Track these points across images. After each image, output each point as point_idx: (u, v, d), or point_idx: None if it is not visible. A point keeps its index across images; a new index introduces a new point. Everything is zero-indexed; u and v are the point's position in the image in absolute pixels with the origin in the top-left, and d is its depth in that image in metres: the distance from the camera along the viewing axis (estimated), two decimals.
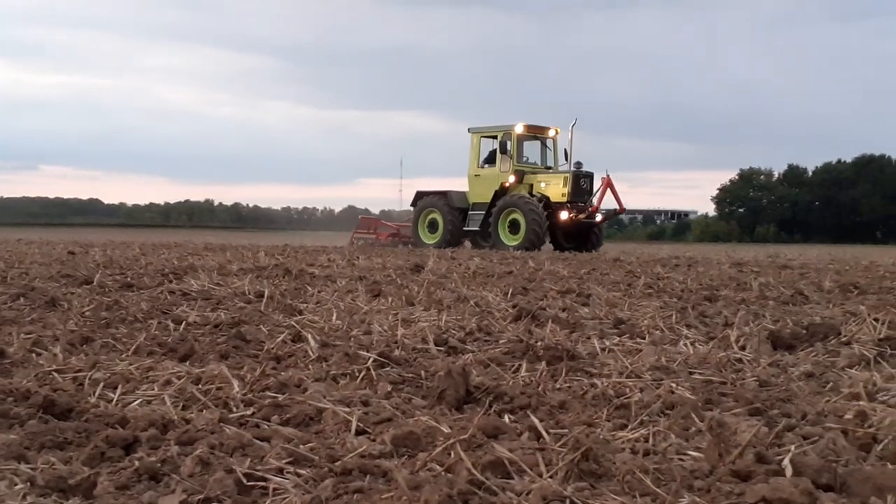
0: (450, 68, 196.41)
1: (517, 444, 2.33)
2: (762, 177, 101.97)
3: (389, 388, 3.12)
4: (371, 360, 3.50)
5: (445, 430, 2.47)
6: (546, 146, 26.06)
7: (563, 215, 23.66)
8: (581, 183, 24.27)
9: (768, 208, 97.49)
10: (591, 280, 8.94)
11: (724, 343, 4.23)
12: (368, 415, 2.67)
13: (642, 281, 8.65)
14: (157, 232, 47.86)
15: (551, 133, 25.83)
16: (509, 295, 6.76)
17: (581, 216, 23.99)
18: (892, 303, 6.57)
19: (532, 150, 25.77)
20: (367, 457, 2.24)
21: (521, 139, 25.17)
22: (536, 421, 2.51)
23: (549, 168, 25.71)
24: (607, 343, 4.27)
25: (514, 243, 23.36)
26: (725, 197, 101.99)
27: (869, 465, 2.15)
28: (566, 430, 2.48)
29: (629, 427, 2.58)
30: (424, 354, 3.91)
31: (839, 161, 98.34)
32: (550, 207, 23.63)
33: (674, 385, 3.17)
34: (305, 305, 5.76)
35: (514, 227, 23.85)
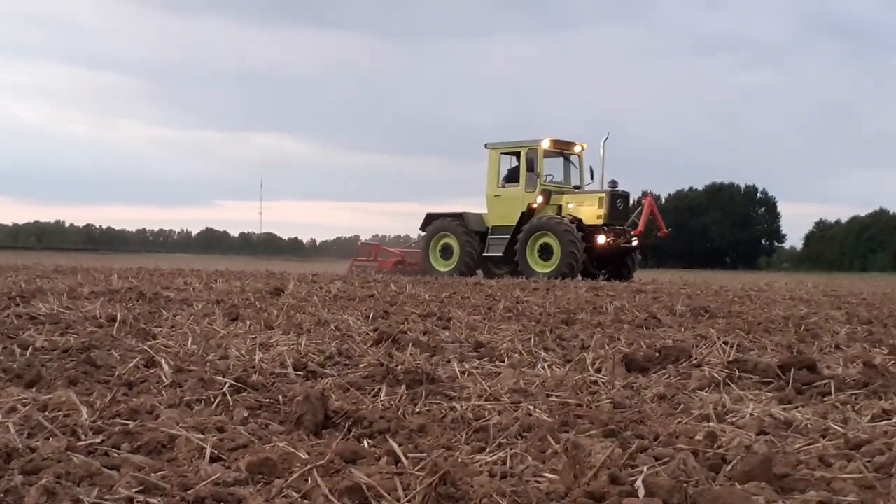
0: (310, 91, 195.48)
1: (375, 468, 2.31)
2: (619, 202, 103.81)
3: (246, 414, 3.06)
4: (227, 385, 3.43)
5: (303, 455, 2.44)
6: (571, 163, 23.80)
7: (601, 239, 21.48)
8: (617, 203, 22.20)
9: None
10: (451, 304, 8.99)
11: (581, 366, 4.30)
12: (223, 441, 2.61)
13: (502, 305, 8.75)
14: (4, 254, 46.03)
15: (577, 149, 23.53)
16: (370, 318, 6.74)
17: (621, 240, 21.89)
18: (740, 326, 6.81)
19: (554, 167, 23.49)
20: (221, 484, 2.19)
21: (546, 156, 22.75)
22: (395, 445, 2.49)
23: (578, 187, 23.43)
24: (467, 366, 4.29)
25: (547, 270, 21.14)
26: None
27: (718, 486, 2.21)
28: (425, 454, 2.48)
29: (487, 450, 2.59)
30: (283, 379, 3.86)
31: (691, 189, 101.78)
32: (583, 230, 21.43)
33: (531, 407, 3.20)
34: (160, 330, 5.61)
35: (545, 252, 21.62)
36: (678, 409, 3.33)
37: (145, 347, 4.53)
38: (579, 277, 21.21)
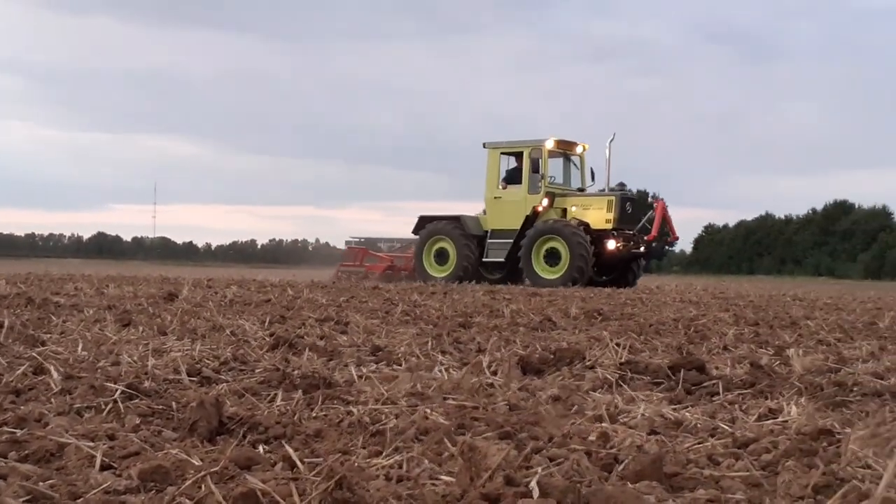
0: (205, 93, 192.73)
1: (271, 474, 2.29)
2: None
3: (138, 421, 3.00)
4: (118, 392, 3.36)
5: (196, 462, 2.40)
6: (573, 164, 22.80)
7: (611, 245, 20.48)
8: (627, 207, 21.12)
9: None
10: (349, 308, 8.96)
11: (477, 368, 4.32)
12: (114, 449, 2.56)
13: (400, 308, 8.75)
14: None
15: (579, 150, 22.48)
16: (267, 323, 6.68)
17: (635, 247, 20.82)
18: (632, 328, 6.94)
19: (554, 168, 22.31)
20: (112, 493, 2.15)
21: (549, 156, 21.64)
22: (291, 450, 2.48)
23: (582, 189, 22.36)
24: (364, 370, 4.28)
25: (554, 277, 20.20)
26: None
27: (610, 485, 2.25)
28: (321, 459, 2.47)
29: (384, 454, 2.59)
30: (176, 385, 3.80)
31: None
32: (591, 235, 20.40)
33: (428, 411, 3.21)
34: (49, 336, 5.47)
35: (552, 257, 20.58)
36: (572, 411, 3.37)
37: (34, 354, 4.41)
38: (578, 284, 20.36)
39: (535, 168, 21.35)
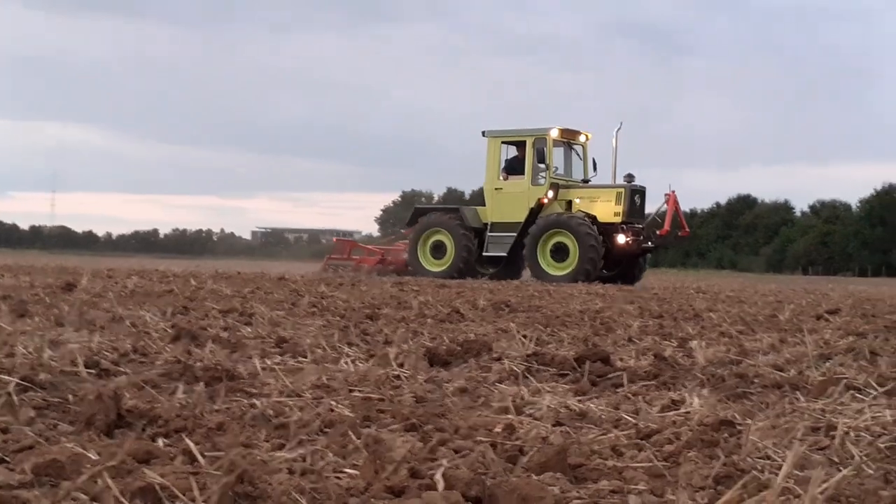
0: (108, 80, 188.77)
1: (170, 468, 2.23)
2: (423, 199, 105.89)
3: (33, 414, 2.90)
4: (13, 384, 3.25)
5: (93, 456, 2.33)
6: (576, 154, 21.81)
7: (621, 239, 19.59)
8: (635, 200, 20.33)
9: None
10: (254, 299, 8.85)
11: (384, 360, 4.30)
12: (7, 443, 2.47)
13: (306, 300, 8.68)
14: None
15: (581, 139, 21.60)
16: (168, 314, 6.55)
17: (647, 241, 20.03)
18: (539, 320, 6.98)
19: (556, 158, 21.18)
20: (5, 487, 2.07)
21: (553, 146, 20.64)
22: (191, 444, 2.42)
23: (587, 181, 21.48)
24: (269, 362, 4.22)
25: (562, 273, 19.31)
26: (388, 218, 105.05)
27: (515, 477, 2.24)
28: (223, 453, 2.41)
29: (287, 447, 2.55)
30: (73, 378, 3.69)
31: None
32: (599, 229, 19.50)
33: (333, 403, 3.17)
34: None
35: (559, 252, 19.69)
36: (478, 402, 3.37)
37: None
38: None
39: (540, 158, 20.43)
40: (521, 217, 20.47)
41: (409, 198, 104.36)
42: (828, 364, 4.53)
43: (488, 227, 20.92)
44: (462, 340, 4.94)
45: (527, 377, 3.93)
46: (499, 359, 4.43)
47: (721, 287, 19.11)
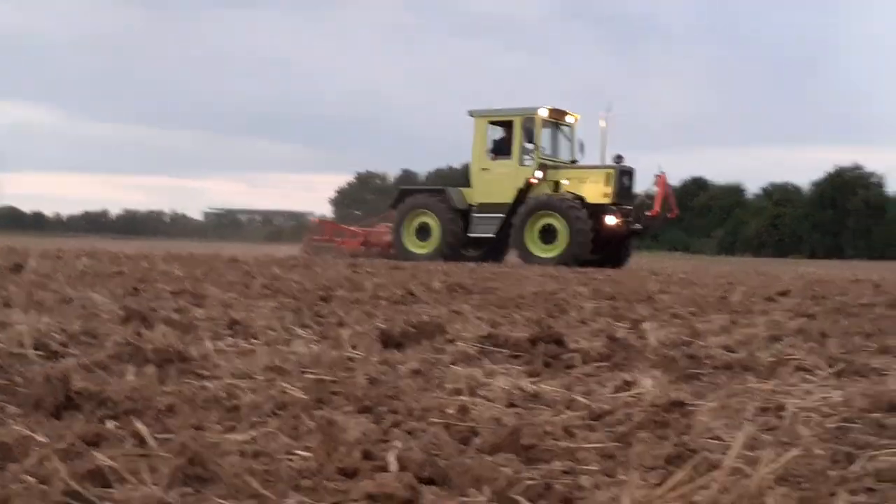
0: (57, 57, 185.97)
1: (120, 451, 2.21)
2: (378, 180, 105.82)
3: None
4: None
5: (41, 439, 2.30)
6: (564, 134, 21.41)
7: (610, 220, 19.30)
8: (624, 181, 19.98)
9: (384, 211, 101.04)
10: (206, 281, 8.79)
11: (337, 342, 4.28)
12: None
13: (259, 281, 8.63)
14: None
15: (569, 120, 21.14)
16: (119, 296, 6.48)
17: (636, 223, 19.84)
18: (493, 302, 7.00)
19: (543, 138, 20.79)
20: None
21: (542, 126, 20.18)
22: (142, 426, 2.40)
23: (575, 161, 21.09)
24: (221, 344, 4.19)
25: (550, 254, 18.98)
26: (343, 199, 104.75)
27: (468, 458, 2.25)
28: (173, 435, 2.39)
29: (239, 429, 2.53)
30: (21, 360, 3.63)
31: (449, 167, 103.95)
32: (588, 210, 19.21)
33: (286, 385, 3.15)
34: None
35: (547, 234, 19.38)
36: (432, 384, 3.37)
37: None
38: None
39: (529, 138, 20.12)
40: (508, 198, 20.14)
41: (363, 179, 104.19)
42: (778, 345, 4.58)
43: (474, 209, 20.58)
44: (416, 322, 4.93)
45: (480, 359, 3.93)
46: (452, 341, 4.43)
47: (673, 269, 19.20)
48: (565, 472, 2.21)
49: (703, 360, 4.04)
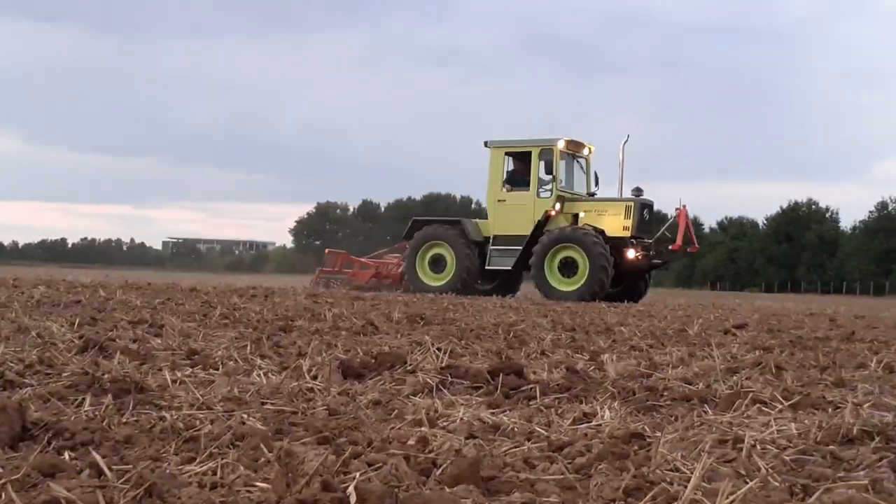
0: (16, 85, 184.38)
1: (76, 482, 2.18)
2: (338, 210, 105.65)
3: None
4: None
5: None
6: (580, 166, 20.99)
7: (630, 254, 19.04)
8: (644, 214, 19.70)
9: (343, 241, 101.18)
10: (165, 310, 8.71)
11: (297, 373, 4.26)
12: None
13: (218, 311, 8.57)
14: None
15: (585, 151, 20.83)
16: (76, 325, 6.41)
17: (656, 257, 19.55)
18: (453, 333, 6.99)
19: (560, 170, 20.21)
20: None
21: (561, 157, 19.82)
22: (98, 457, 2.37)
23: (593, 194, 20.82)
24: (179, 374, 4.15)
25: (570, 288, 18.70)
26: (303, 229, 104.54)
27: (428, 490, 2.24)
28: (131, 466, 2.37)
29: (198, 460, 2.51)
30: None
31: (409, 198, 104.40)
32: (608, 244, 18.80)
33: (245, 416, 3.14)
34: None
35: (568, 267, 19.01)
36: (392, 415, 3.37)
37: None
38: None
39: (548, 169, 19.75)
40: (525, 230, 19.79)
41: (323, 209, 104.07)
42: (735, 378, 4.62)
43: (491, 241, 20.20)
44: (376, 353, 4.92)
45: (441, 390, 3.93)
46: (413, 371, 4.42)
47: (632, 301, 19.31)
48: None
49: (662, 392, 4.06)
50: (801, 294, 59.80)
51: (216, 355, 4.92)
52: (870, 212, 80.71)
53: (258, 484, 2.25)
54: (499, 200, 20.28)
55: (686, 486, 2.20)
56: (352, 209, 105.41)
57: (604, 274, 18.61)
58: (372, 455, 2.57)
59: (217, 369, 4.44)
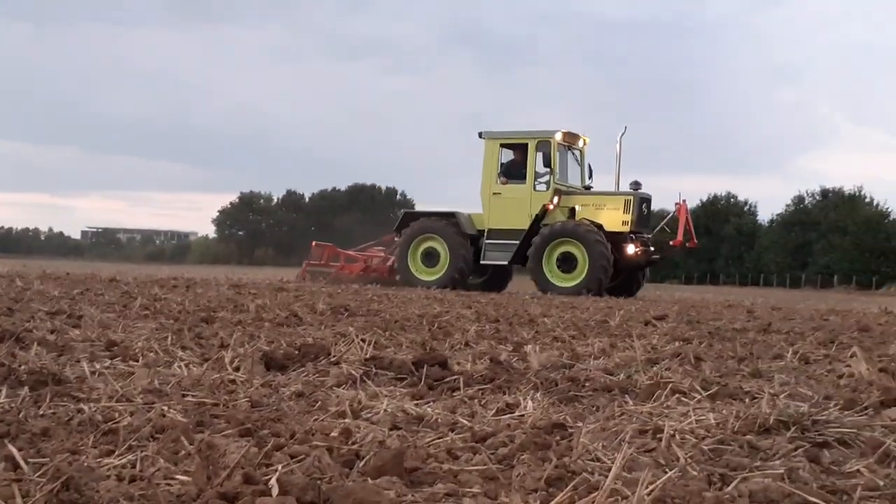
0: None
1: None
2: (262, 201, 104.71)
3: None
4: None
5: None
6: (575, 158, 20.46)
7: (630, 249, 18.65)
8: (643, 209, 19.27)
9: (267, 232, 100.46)
10: (84, 301, 8.56)
11: (219, 364, 4.22)
12: None
13: (139, 302, 8.45)
14: None
15: (580, 143, 20.28)
16: None
17: (654, 252, 19.23)
18: (378, 324, 6.99)
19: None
20: None
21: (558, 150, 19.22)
22: (14, 450, 2.32)
23: (589, 187, 20.31)
24: (98, 366, 4.09)
25: (570, 284, 18.25)
26: (226, 219, 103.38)
27: (351, 481, 2.24)
28: (48, 459, 2.33)
29: (116, 453, 2.47)
30: None
31: (334, 189, 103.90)
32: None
33: (165, 408, 3.10)
34: None
35: (566, 262, 18.58)
36: (315, 407, 3.35)
37: None
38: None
39: (546, 162, 19.17)
40: (521, 224, 19.36)
41: (247, 199, 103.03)
42: (655, 368, 4.68)
43: (485, 234, 19.72)
44: (300, 344, 4.89)
45: (365, 381, 3.92)
46: (337, 363, 4.41)
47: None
48: (448, 495, 2.22)
49: (584, 382, 4.10)
50: (719, 286, 60.88)
51: (136, 347, 4.85)
52: (786, 205, 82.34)
53: (178, 477, 2.23)
54: (494, 193, 19.70)
55: (607, 476, 2.22)
56: (276, 199, 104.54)
57: (603, 271, 18.32)
58: (295, 447, 2.55)
59: (137, 361, 4.37)
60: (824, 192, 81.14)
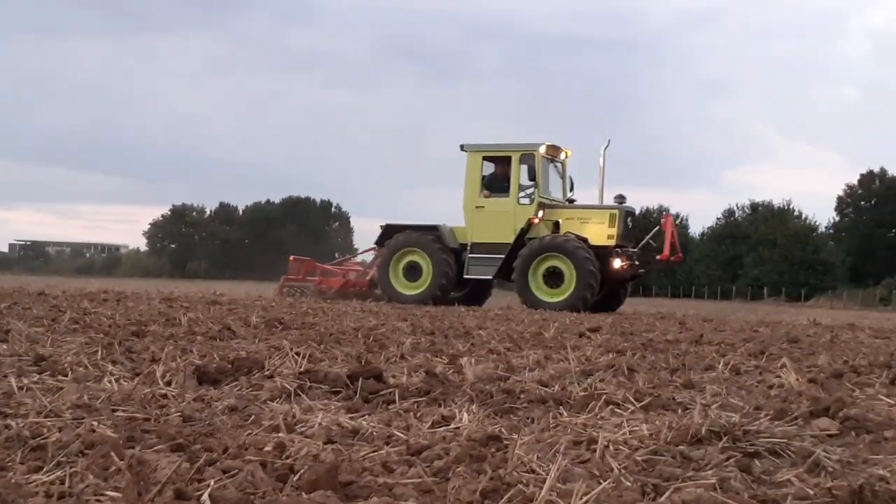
0: None
1: None
2: (195, 213, 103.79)
3: None
4: None
5: None
6: (557, 171, 20.21)
7: (616, 263, 18.39)
8: (628, 223, 19.05)
9: (200, 245, 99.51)
10: (11, 315, 8.39)
11: (150, 379, 4.16)
12: None
13: (68, 316, 8.30)
14: None
15: (562, 156, 20.06)
16: None
17: (640, 266, 19.13)
18: (313, 337, 6.95)
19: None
20: None
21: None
22: None
23: (572, 201, 20.06)
24: (26, 381, 4.00)
25: (556, 299, 17.91)
26: (158, 232, 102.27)
27: (285, 496, 2.22)
28: None
29: (45, 469, 2.42)
30: None
31: (268, 201, 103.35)
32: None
33: (95, 423, 3.04)
34: None
35: (553, 277, 18.28)
36: (249, 421, 3.32)
37: None
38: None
39: (530, 175, 18.86)
40: (505, 238, 19.01)
41: (179, 211, 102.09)
42: (589, 380, 4.71)
43: (468, 248, 19.29)
44: (233, 358, 4.84)
45: (299, 395, 3.90)
46: (271, 376, 4.37)
47: (490, 305, 19.45)
48: None
49: (519, 394, 4.12)
50: (651, 298, 61.54)
51: (65, 361, 4.77)
52: (717, 219, 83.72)
53: (108, 493, 2.19)
54: (477, 207, 19.31)
55: (542, 488, 2.23)
56: (208, 212, 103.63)
57: (590, 288, 18.05)
58: (227, 462, 2.52)
59: (66, 376, 4.29)
60: (754, 206, 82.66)
